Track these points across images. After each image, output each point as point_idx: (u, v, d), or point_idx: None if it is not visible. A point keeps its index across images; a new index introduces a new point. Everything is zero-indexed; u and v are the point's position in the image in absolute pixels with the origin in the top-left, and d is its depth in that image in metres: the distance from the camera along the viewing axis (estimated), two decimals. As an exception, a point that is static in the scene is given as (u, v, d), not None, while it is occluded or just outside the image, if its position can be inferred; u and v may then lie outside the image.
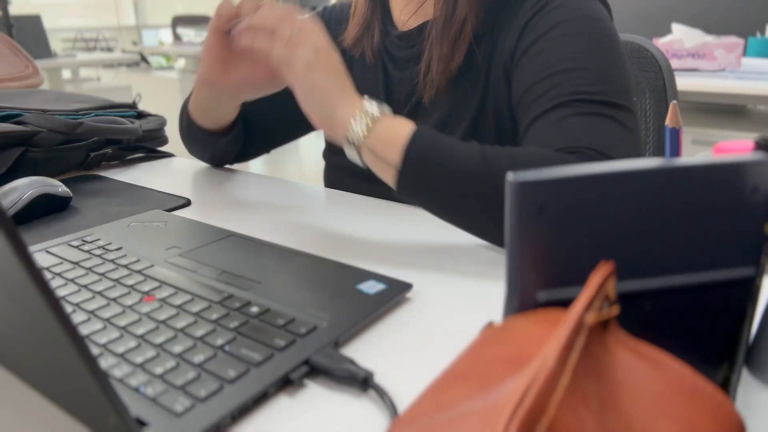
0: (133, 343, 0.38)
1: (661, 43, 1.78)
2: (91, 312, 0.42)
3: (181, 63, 4.68)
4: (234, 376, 0.35)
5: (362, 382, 0.35)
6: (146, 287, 0.46)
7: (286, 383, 0.36)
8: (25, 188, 0.64)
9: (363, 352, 0.40)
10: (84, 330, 0.40)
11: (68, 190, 0.69)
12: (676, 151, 0.38)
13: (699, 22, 1.97)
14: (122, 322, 0.41)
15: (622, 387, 0.23)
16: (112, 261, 0.51)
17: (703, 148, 1.60)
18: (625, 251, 0.27)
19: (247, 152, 0.84)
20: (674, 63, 1.71)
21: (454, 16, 0.63)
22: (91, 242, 0.55)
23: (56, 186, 0.67)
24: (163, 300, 0.44)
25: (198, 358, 0.36)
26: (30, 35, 2.78)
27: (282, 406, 0.35)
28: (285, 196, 0.74)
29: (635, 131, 0.55)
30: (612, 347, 0.24)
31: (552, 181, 0.25)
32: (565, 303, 0.26)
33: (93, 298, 0.44)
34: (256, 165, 3.27)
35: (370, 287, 0.46)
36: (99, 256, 0.52)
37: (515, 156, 0.51)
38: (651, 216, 0.26)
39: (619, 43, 0.60)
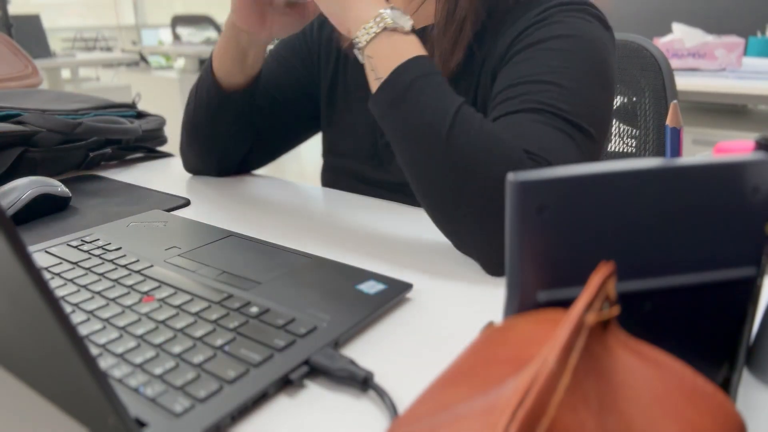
0: (132, 344, 0.38)
1: (662, 42, 1.78)
2: (91, 312, 0.42)
3: (180, 63, 4.68)
4: (234, 376, 0.35)
5: (362, 382, 0.35)
6: (146, 287, 0.46)
7: (286, 383, 0.36)
8: (24, 188, 0.64)
9: (363, 352, 0.40)
10: (83, 330, 0.40)
11: (67, 190, 0.69)
12: (676, 151, 0.38)
13: (699, 22, 1.97)
14: (122, 323, 0.41)
15: (623, 387, 0.23)
16: (112, 261, 0.51)
17: (704, 148, 1.60)
18: (625, 251, 0.27)
19: (253, 160, 0.83)
20: (675, 63, 1.71)
21: (455, 15, 0.63)
22: (90, 242, 0.55)
23: (55, 186, 0.67)
24: (162, 300, 0.44)
25: (197, 358, 0.36)
26: (29, 35, 2.78)
27: (282, 406, 0.34)
28: (285, 196, 0.74)
29: (585, 157, 0.54)
30: (612, 347, 0.24)
31: (552, 181, 0.25)
32: (566, 303, 0.26)
33: (92, 299, 0.44)
34: (255, 165, 3.25)
35: (370, 287, 0.46)
36: (98, 256, 0.52)
37: (482, 136, 0.50)
38: (651, 216, 0.26)
39: (609, 70, 0.60)
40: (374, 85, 0.55)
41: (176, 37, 4.57)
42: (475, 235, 0.51)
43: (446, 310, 0.45)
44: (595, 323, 0.23)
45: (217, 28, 4.37)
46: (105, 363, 0.36)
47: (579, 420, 0.20)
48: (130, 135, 0.88)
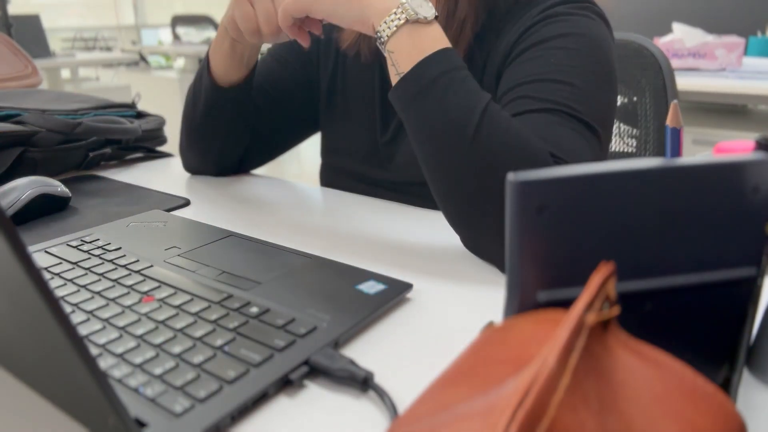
0: (132, 344, 0.38)
1: (662, 42, 1.78)
2: (91, 312, 0.42)
3: (180, 63, 4.68)
4: (233, 376, 0.35)
5: (362, 382, 0.35)
6: (145, 287, 0.46)
7: (286, 384, 0.36)
8: (24, 188, 0.64)
9: (363, 352, 0.40)
10: (83, 330, 0.40)
11: (67, 190, 0.69)
12: (676, 151, 0.38)
13: (700, 22, 1.97)
14: (121, 323, 0.40)
15: (623, 387, 0.23)
16: (112, 261, 0.51)
17: (704, 147, 1.60)
18: (625, 251, 0.27)
19: (252, 160, 0.83)
20: (675, 62, 1.71)
21: (455, 14, 0.63)
22: (90, 242, 0.55)
23: (55, 186, 0.67)
24: (162, 300, 0.44)
25: (197, 358, 0.36)
26: (29, 35, 2.78)
27: (282, 406, 0.34)
28: (285, 196, 0.74)
29: (597, 160, 0.54)
30: (612, 347, 0.24)
31: (552, 181, 0.25)
32: (566, 303, 0.26)
33: (92, 299, 0.44)
34: (255, 165, 3.25)
35: (370, 287, 0.46)
36: (98, 256, 0.52)
37: (510, 136, 0.49)
38: (652, 216, 0.26)
39: (612, 70, 0.60)
40: (395, 81, 0.54)
41: (176, 37, 4.57)
42: (496, 236, 0.50)
43: (446, 310, 0.45)
44: (595, 323, 0.23)
45: (217, 27, 4.37)
46: (105, 363, 0.36)
47: (579, 420, 0.20)
48: (130, 135, 0.88)
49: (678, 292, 0.28)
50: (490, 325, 0.28)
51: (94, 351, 0.38)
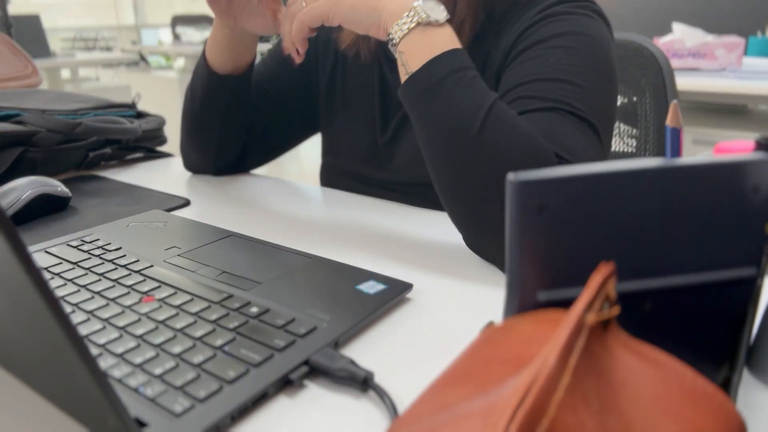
0: (132, 344, 0.38)
1: (662, 42, 1.78)
2: (91, 312, 0.42)
3: (180, 62, 4.68)
4: (233, 376, 0.35)
5: (362, 382, 0.35)
6: (145, 287, 0.46)
7: (286, 384, 0.36)
8: (24, 188, 0.64)
9: (363, 352, 0.40)
10: (83, 330, 0.40)
11: (67, 190, 0.69)
12: (676, 151, 0.38)
13: (700, 22, 1.97)
14: (121, 323, 0.40)
15: (623, 387, 0.23)
16: (112, 261, 0.51)
17: (704, 147, 1.60)
18: (625, 251, 0.27)
19: (251, 160, 0.83)
20: (675, 62, 1.71)
21: (454, 16, 0.63)
22: (90, 242, 0.55)
23: (55, 186, 0.67)
24: (162, 300, 0.44)
25: (197, 358, 0.36)
26: (29, 35, 2.78)
27: (282, 406, 0.34)
28: (285, 196, 0.74)
29: (598, 157, 0.54)
30: (612, 347, 0.24)
31: (552, 181, 0.25)
32: (566, 303, 0.26)
33: (92, 299, 0.44)
34: (255, 165, 3.26)
35: (370, 287, 0.46)
36: (98, 256, 0.52)
37: (516, 135, 0.49)
38: (651, 216, 0.26)
39: (613, 68, 0.60)
40: (403, 73, 0.54)
41: (176, 37, 4.57)
42: (499, 236, 0.50)
43: (446, 310, 0.45)
44: (595, 323, 0.23)
45: (217, 28, 4.36)
46: (105, 363, 0.36)
47: (579, 420, 0.20)
48: (130, 135, 0.88)
49: (678, 292, 0.28)
50: (490, 325, 0.28)
51: (94, 351, 0.38)
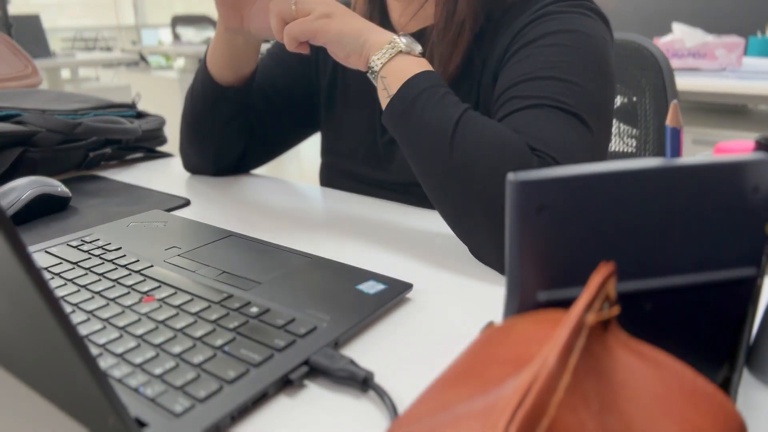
0: (132, 344, 0.38)
1: (662, 42, 1.78)
2: (91, 312, 0.42)
3: (180, 63, 4.68)
4: (233, 376, 0.35)
5: (362, 382, 0.35)
6: (145, 287, 0.46)
7: (286, 384, 0.36)
8: (24, 188, 0.64)
9: (363, 352, 0.40)
10: (83, 330, 0.40)
11: (67, 190, 0.69)
12: (676, 151, 0.38)
13: (700, 22, 1.97)
14: (121, 323, 0.41)
15: (623, 387, 0.23)
16: (112, 261, 0.51)
17: (704, 147, 1.60)
18: (625, 251, 0.27)
19: (251, 160, 0.83)
20: (675, 62, 1.71)
21: (454, 17, 0.63)
22: (90, 242, 0.55)
23: (55, 186, 0.67)
24: (162, 300, 0.44)
25: (197, 358, 0.36)
26: (29, 35, 2.78)
27: (282, 406, 0.34)
28: (285, 196, 0.74)
29: (594, 154, 0.54)
30: (612, 347, 0.24)
31: (552, 181, 0.25)
32: (566, 303, 0.26)
33: (92, 299, 0.44)
34: (255, 165, 3.26)
35: (370, 287, 0.46)
36: (98, 256, 0.52)
37: (485, 140, 0.51)
38: (651, 216, 0.26)
39: (609, 65, 0.60)
40: (384, 99, 0.57)
41: (176, 37, 4.57)
42: (487, 240, 0.51)
43: (446, 310, 0.45)
44: (595, 323, 0.23)
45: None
46: (105, 363, 0.36)
47: (579, 420, 0.20)
48: (130, 135, 0.88)
49: (678, 292, 0.28)
50: (490, 325, 0.28)
51: (94, 351, 0.38)
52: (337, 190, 0.77)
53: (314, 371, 0.37)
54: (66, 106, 0.87)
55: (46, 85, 2.99)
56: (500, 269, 0.51)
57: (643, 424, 0.22)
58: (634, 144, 1.06)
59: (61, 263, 0.51)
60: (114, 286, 0.46)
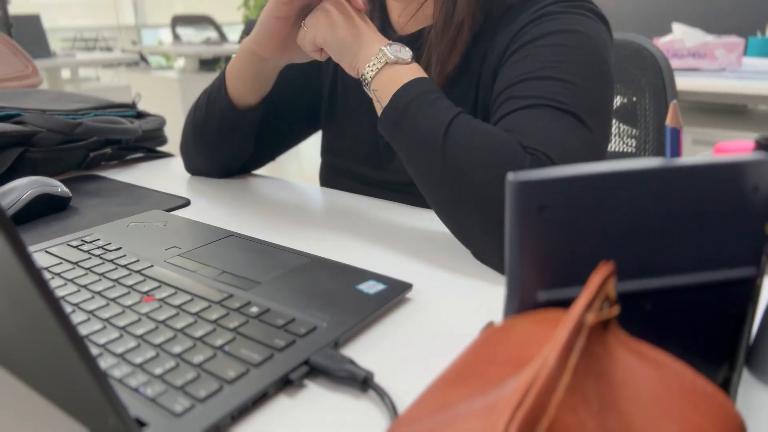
0: (132, 344, 0.38)
1: (662, 42, 1.78)
2: (91, 312, 0.42)
3: (180, 63, 4.68)
4: (234, 376, 0.35)
5: (362, 382, 0.35)
6: (146, 287, 0.46)
7: (286, 383, 0.36)
8: (24, 188, 0.64)
9: (363, 352, 0.40)
10: (83, 330, 0.40)
11: (68, 190, 0.69)
12: (676, 151, 0.38)
13: (699, 22, 1.97)
14: (122, 323, 0.41)
15: (623, 387, 0.23)
16: (112, 261, 0.51)
17: (704, 148, 1.60)
18: (625, 251, 0.27)
19: (254, 161, 0.83)
20: (675, 63, 1.71)
21: (453, 17, 0.63)
22: (90, 242, 0.55)
23: (55, 186, 0.67)
24: (162, 300, 0.44)
25: (198, 358, 0.36)
26: (29, 35, 2.78)
27: (282, 406, 0.34)
28: (285, 196, 0.74)
29: (592, 153, 0.54)
30: (612, 347, 0.24)
31: (552, 181, 0.25)
32: (566, 303, 0.26)
33: (92, 299, 0.44)
34: (255, 165, 3.25)
35: (370, 287, 0.46)
36: (98, 256, 0.52)
37: (475, 142, 0.51)
38: (651, 216, 0.26)
39: (608, 65, 0.60)
40: (378, 110, 0.58)
41: (176, 37, 4.57)
42: (485, 242, 0.51)
43: (446, 310, 0.45)
44: (595, 323, 0.23)
45: (217, 28, 4.37)
46: (105, 363, 0.36)
47: (579, 420, 0.20)
48: (130, 135, 0.88)
49: (678, 292, 0.28)
50: (490, 325, 0.28)
51: (94, 351, 0.38)
52: (337, 190, 0.77)
53: (314, 371, 0.37)
54: (66, 106, 0.87)
55: (46, 85, 2.99)
56: (502, 271, 0.51)
57: (643, 424, 0.22)
58: (634, 144, 1.06)
59: (61, 263, 0.51)
60: (114, 286, 0.46)
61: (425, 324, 0.43)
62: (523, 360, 0.23)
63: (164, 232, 0.58)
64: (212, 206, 0.70)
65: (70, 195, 0.69)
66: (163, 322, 0.41)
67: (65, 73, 3.61)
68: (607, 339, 0.24)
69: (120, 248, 0.54)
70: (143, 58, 4.77)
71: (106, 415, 0.27)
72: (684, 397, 0.23)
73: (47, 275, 0.49)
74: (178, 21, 4.58)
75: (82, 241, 0.55)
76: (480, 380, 0.24)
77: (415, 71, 0.58)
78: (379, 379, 0.37)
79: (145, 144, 0.93)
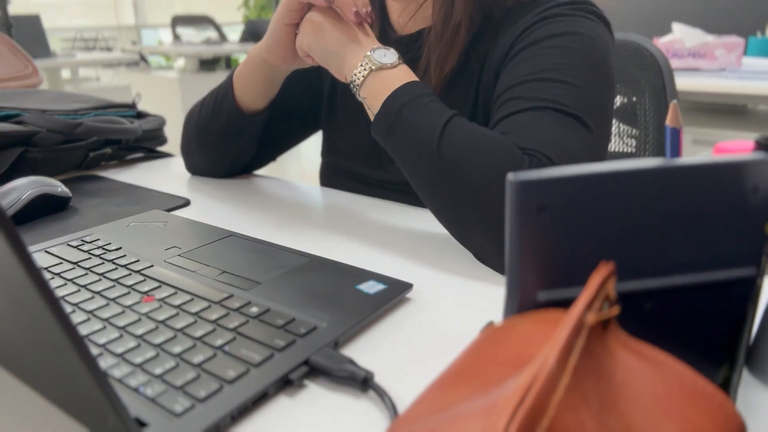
0: (132, 344, 0.38)
1: (662, 42, 1.78)
2: (91, 312, 0.42)
3: (180, 63, 4.69)
4: (234, 376, 0.35)
5: (362, 382, 0.35)
6: (146, 287, 0.46)
7: (286, 383, 0.36)
8: (24, 188, 0.64)
9: (363, 352, 0.40)
10: (83, 330, 0.40)
11: (67, 190, 0.69)
12: (676, 151, 0.38)
13: (699, 22, 1.97)
14: (122, 323, 0.41)
15: (623, 387, 0.23)
16: (112, 261, 0.51)
17: (704, 147, 1.60)
18: (625, 251, 0.27)
19: (255, 162, 0.83)
20: (675, 63, 1.71)
21: (452, 18, 0.63)
22: (90, 242, 0.55)
23: (55, 186, 0.67)
24: (162, 300, 0.44)
25: (197, 358, 0.36)
26: (29, 35, 2.78)
27: (282, 406, 0.34)
28: (285, 196, 0.74)
29: (592, 154, 0.54)
30: (612, 347, 0.24)
31: (552, 181, 0.25)
32: (566, 303, 0.26)
33: (92, 299, 0.44)
34: (255, 165, 3.25)
35: (370, 287, 0.46)
36: (98, 256, 0.52)
37: (471, 144, 0.51)
38: (651, 216, 0.26)
39: (610, 68, 0.60)
40: (371, 115, 0.58)
41: (176, 37, 4.57)
42: (486, 243, 0.51)
43: (446, 310, 0.45)
44: (595, 323, 0.23)
45: (217, 28, 4.37)
46: (105, 363, 0.36)
47: (579, 420, 0.20)
48: (130, 135, 0.88)
49: (678, 292, 0.28)
50: (490, 325, 0.28)
51: (94, 351, 0.38)
52: (337, 190, 0.77)
53: (314, 371, 0.37)
54: (66, 106, 0.87)
55: (46, 85, 2.99)
56: (503, 271, 0.51)
57: (643, 424, 0.22)
58: (634, 144, 1.06)
59: (61, 263, 0.51)
60: (114, 286, 0.46)
61: (425, 324, 0.43)
62: (523, 360, 0.23)
63: (164, 232, 0.58)
64: (212, 206, 0.70)
65: (70, 195, 0.69)
66: (163, 322, 0.41)
67: (65, 73, 3.61)
68: (607, 339, 0.24)
69: (120, 248, 0.54)
70: (143, 58, 4.78)
71: (106, 415, 0.27)
72: (684, 397, 0.23)
73: (47, 275, 0.49)
74: (178, 21, 4.58)
75: (82, 241, 0.55)
76: (480, 380, 0.24)
77: (404, 75, 0.57)
78: (379, 379, 0.37)
79: (145, 144, 0.93)
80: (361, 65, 0.57)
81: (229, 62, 4.32)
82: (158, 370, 0.35)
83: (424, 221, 0.64)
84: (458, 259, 0.54)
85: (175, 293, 0.45)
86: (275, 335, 0.39)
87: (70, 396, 0.31)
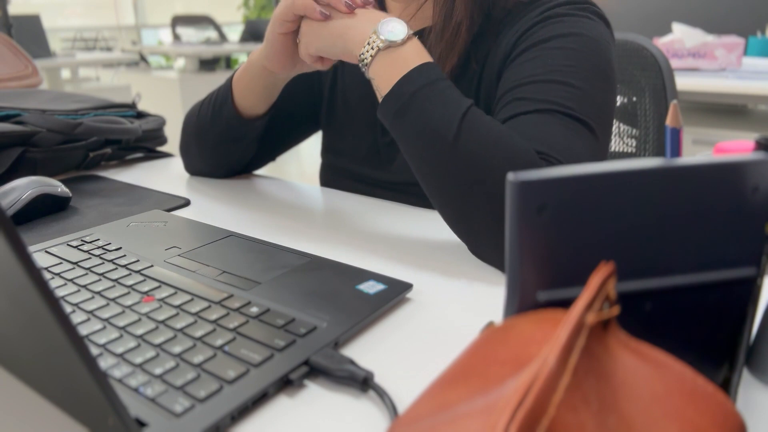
0: (132, 344, 0.38)
1: (662, 42, 1.78)
2: (91, 312, 0.42)
3: (180, 63, 4.68)
4: (234, 376, 0.35)
5: (362, 382, 0.35)
6: (146, 287, 0.46)
7: (286, 384, 0.36)
8: (24, 188, 0.64)
9: (363, 352, 0.40)
10: (83, 330, 0.40)
11: (67, 190, 0.69)
12: (676, 151, 0.38)
13: (699, 22, 1.97)
14: (122, 323, 0.41)
15: (623, 387, 0.23)
16: (112, 261, 0.51)
17: (704, 147, 1.60)
18: (625, 251, 0.27)
19: (255, 162, 0.83)
20: (675, 63, 1.71)
21: (452, 18, 0.63)
22: (90, 242, 0.55)
23: (55, 186, 0.67)
24: (162, 300, 0.44)
25: (197, 358, 0.36)
26: (29, 35, 2.78)
27: (282, 406, 0.34)
28: (285, 196, 0.74)
29: (596, 159, 0.54)
30: (612, 347, 0.24)
31: (552, 181, 0.25)
32: (566, 303, 0.26)
33: (92, 299, 0.44)
34: (255, 165, 3.24)
35: (370, 287, 0.46)
36: (98, 256, 0.52)
37: (491, 139, 0.50)
38: (651, 216, 0.26)
39: (612, 69, 0.60)
40: (379, 95, 0.56)
41: (176, 37, 4.57)
42: (490, 238, 0.50)
43: (446, 310, 0.45)
44: (596, 323, 0.23)
45: (217, 28, 4.37)
46: (105, 363, 0.36)
47: (579, 420, 0.20)
48: (130, 135, 0.88)
49: (678, 292, 0.28)
50: (490, 325, 0.28)
51: (94, 351, 0.38)
52: (337, 190, 0.77)
53: (314, 371, 0.37)
54: (66, 106, 0.87)
55: (46, 85, 2.99)
56: (502, 267, 0.51)
57: (643, 424, 0.22)
58: (634, 144, 1.07)
59: (61, 263, 0.51)
60: (114, 286, 0.46)
61: (425, 324, 0.43)
62: (523, 360, 0.23)
63: (164, 232, 0.58)
64: (212, 206, 0.70)
65: (70, 195, 0.69)
66: (163, 322, 0.41)
67: (65, 73, 3.61)
68: (607, 339, 0.24)
69: (120, 248, 0.54)
70: (143, 58, 4.77)
71: (106, 415, 0.27)
72: (684, 397, 0.23)
73: (47, 275, 0.49)
74: (178, 21, 4.58)
75: (82, 241, 0.55)
76: (480, 380, 0.24)
77: (416, 54, 0.55)
78: (379, 379, 0.37)
79: (145, 144, 0.93)
80: (368, 44, 0.55)
81: (229, 62, 4.32)
82: (158, 370, 0.35)
83: (424, 221, 0.64)
84: (458, 259, 0.54)
85: (175, 293, 0.45)
86: (275, 335, 0.39)
87: (70, 396, 0.31)
